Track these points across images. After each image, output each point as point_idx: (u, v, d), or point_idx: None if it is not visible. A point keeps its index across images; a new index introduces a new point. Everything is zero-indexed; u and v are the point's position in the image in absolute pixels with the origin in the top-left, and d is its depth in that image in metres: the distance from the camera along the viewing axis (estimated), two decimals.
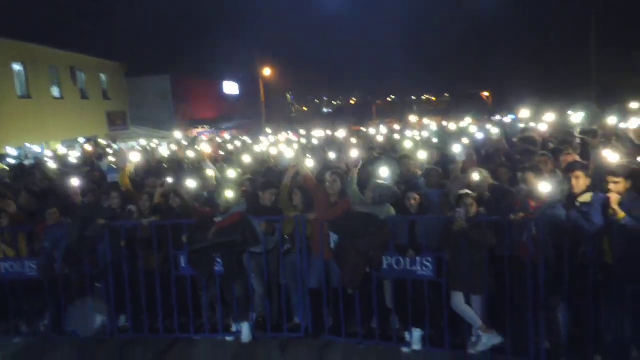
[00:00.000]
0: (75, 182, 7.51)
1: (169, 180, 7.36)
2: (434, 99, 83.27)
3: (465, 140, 8.09)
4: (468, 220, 5.12)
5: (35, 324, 6.55)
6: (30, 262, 6.37)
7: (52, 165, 10.33)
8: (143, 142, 16.69)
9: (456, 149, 6.85)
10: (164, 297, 6.28)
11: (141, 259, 6.39)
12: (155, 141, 19.10)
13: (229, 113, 41.85)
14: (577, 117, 9.97)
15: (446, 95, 77.10)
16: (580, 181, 5.04)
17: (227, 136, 21.47)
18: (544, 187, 4.99)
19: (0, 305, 6.45)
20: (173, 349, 6.07)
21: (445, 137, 12.18)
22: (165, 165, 10.08)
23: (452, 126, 14.72)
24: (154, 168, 9.67)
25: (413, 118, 20.58)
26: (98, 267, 6.42)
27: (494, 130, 9.17)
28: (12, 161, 12.87)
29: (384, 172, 6.16)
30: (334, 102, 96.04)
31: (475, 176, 5.73)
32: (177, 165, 10.31)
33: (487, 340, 5.17)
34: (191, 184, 6.81)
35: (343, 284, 5.70)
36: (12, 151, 15.21)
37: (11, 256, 6.43)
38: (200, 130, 31.24)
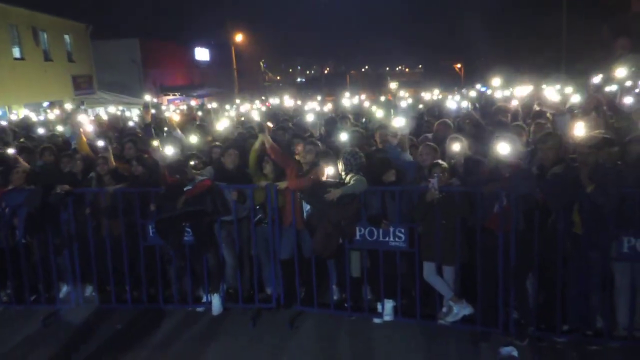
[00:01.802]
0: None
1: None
2: (407, 70, 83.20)
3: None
4: (440, 190, 5.08)
5: None
6: None
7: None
8: (112, 108, 16.12)
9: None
10: (132, 267, 6.13)
11: (107, 228, 6.20)
12: (121, 107, 18.53)
13: (200, 80, 40.83)
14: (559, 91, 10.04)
15: (419, 67, 77.07)
16: (551, 153, 5.05)
17: (194, 103, 20.90)
18: (514, 155, 4.98)
19: None
20: (142, 319, 5.94)
21: (419, 107, 12.18)
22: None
23: (426, 97, 14.70)
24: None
25: (393, 85, 20.50)
26: (61, 236, 6.19)
27: (464, 103, 9.17)
28: None
29: (343, 137, 6.10)
30: (307, 72, 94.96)
31: (456, 146, 5.66)
32: (145, 131, 10.01)
33: (458, 310, 5.22)
34: (168, 150, 6.55)
35: (315, 253, 5.64)
36: None
37: None
38: (170, 97, 30.44)
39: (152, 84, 32.00)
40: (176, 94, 33.00)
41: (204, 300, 6.12)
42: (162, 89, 32.76)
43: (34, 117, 12.98)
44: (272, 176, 6.09)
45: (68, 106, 13.29)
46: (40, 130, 9.99)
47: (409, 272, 5.49)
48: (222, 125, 8.63)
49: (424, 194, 5.18)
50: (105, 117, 12.92)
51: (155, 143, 6.85)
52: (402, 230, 5.38)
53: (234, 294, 6.15)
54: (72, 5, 31.58)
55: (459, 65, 48.42)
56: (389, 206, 5.53)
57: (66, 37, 26.98)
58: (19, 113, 17.20)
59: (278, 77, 76.81)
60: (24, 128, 10.88)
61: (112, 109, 15.85)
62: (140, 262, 6.07)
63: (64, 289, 6.42)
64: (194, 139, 7.51)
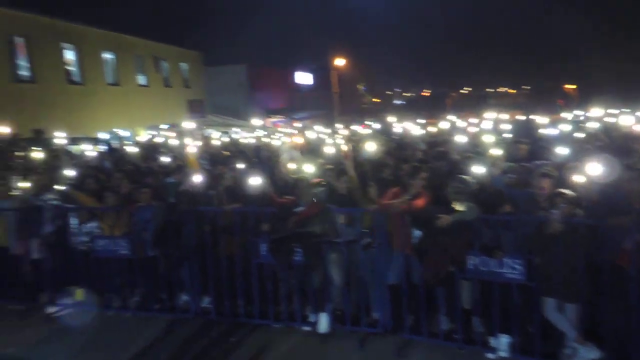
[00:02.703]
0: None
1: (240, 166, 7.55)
2: (511, 91, 79.55)
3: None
4: (563, 222, 4.80)
5: (126, 300, 6.92)
6: (123, 240, 6.72)
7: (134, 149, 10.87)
8: (216, 131, 17.19)
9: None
10: (246, 283, 6.43)
11: (223, 245, 6.58)
12: (235, 129, 19.69)
13: (301, 103, 42.28)
14: None
15: (525, 87, 73.47)
16: None
17: (299, 126, 21.63)
18: None
19: (97, 280, 6.87)
20: (253, 334, 6.19)
21: (529, 131, 11.62)
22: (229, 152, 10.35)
23: (538, 120, 13.97)
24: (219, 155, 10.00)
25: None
26: (183, 250, 6.67)
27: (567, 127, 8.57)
28: (103, 145, 13.67)
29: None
30: (404, 94, 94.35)
31: (581, 175, 5.33)
32: (255, 153, 10.58)
33: (584, 353, 4.84)
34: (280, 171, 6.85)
35: (424, 280, 5.56)
36: (103, 136, 16.18)
37: (107, 234, 6.82)
38: (274, 119, 31.83)
39: (257, 107, 33.72)
40: (279, 116, 34.42)
41: (311, 319, 6.25)
42: (267, 112, 34.37)
43: (157, 139, 14.18)
44: (377, 200, 6.14)
45: (188, 127, 14.36)
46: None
47: (526, 306, 5.21)
48: (331, 148, 8.86)
49: (543, 224, 4.92)
50: (216, 138, 13.81)
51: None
52: (519, 262, 5.14)
53: (340, 315, 6.22)
54: (188, 35, 34.37)
55: (571, 87, 45.52)
56: (503, 236, 5.32)
57: (183, 64, 29.36)
58: (141, 135, 18.91)
59: (377, 100, 77.16)
60: (150, 149, 11.91)
61: (220, 132, 16.92)
62: (253, 279, 6.36)
63: (184, 299, 6.89)
64: (310, 163, 7.75)
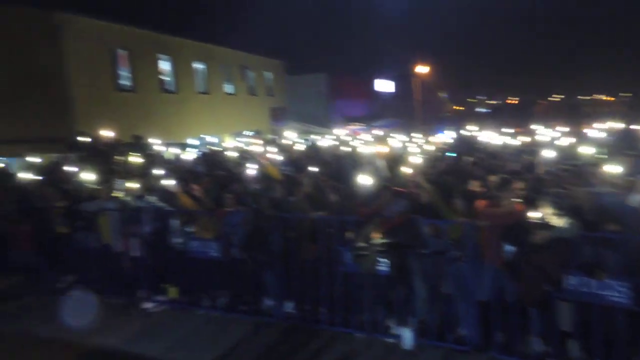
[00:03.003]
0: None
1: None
2: (607, 98, 74.07)
3: None
4: None
5: (215, 300, 7.22)
6: (213, 243, 7.03)
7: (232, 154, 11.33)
8: (297, 139, 17.50)
9: None
10: (329, 291, 6.47)
11: (307, 251, 6.67)
12: (313, 136, 20.01)
13: (380, 111, 42.12)
14: None
15: (624, 95, 68.24)
16: None
17: (379, 134, 21.52)
18: None
19: (190, 279, 7.23)
20: (334, 342, 6.21)
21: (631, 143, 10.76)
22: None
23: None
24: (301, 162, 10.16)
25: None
26: (268, 255, 6.85)
27: None
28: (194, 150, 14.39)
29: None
30: (488, 102, 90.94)
31: None
32: (336, 161, 10.65)
33: None
34: (363, 180, 6.86)
35: (517, 298, 5.30)
36: (193, 142, 17.03)
37: (199, 236, 7.16)
38: (354, 127, 31.94)
39: (336, 114, 34.07)
40: (358, 124, 34.50)
41: (394, 332, 6.16)
42: (347, 119, 34.61)
43: (243, 145, 14.71)
44: (462, 212, 5.96)
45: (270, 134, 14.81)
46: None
47: (631, 333, 4.81)
48: (415, 157, 8.74)
49: None
50: (296, 145, 14.07)
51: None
52: (625, 285, 4.75)
53: (424, 328, 6.08)
54: (272, 45, 35.46)
55: None
56: (606, 255, 4.95)
57: (267, 73, 30.33)
58: (227, 141, 19.69)
59: (460, 108, 75.08)
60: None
61: (301, 139, 17.23)
62: (336, 287, 6.39)
63: (268, 303, 7.06)
64: (389, 169, 7.73)
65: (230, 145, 14.87)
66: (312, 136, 21.41)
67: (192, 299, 7.30)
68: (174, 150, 12.30)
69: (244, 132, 24.72)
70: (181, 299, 7.36)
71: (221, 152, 12.49)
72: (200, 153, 12.51)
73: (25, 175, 9.48)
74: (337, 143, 13.77)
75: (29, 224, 8.13)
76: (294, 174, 8.42)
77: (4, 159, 12.85)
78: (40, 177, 9.48)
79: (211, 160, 10.92)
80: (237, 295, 7.11)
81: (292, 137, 16.56)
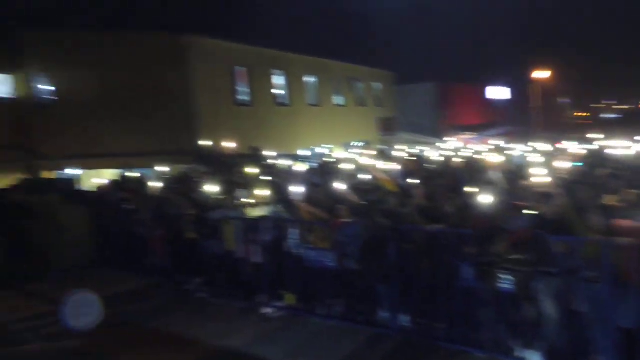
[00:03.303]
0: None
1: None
2: None
3: None
4: None
5: (331, 309, 7.33)
6: (330, 252, 7.16)
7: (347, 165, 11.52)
8: (408, 149, 17.30)
9: None
10: (448, 306, 6.28)
11: (424, 264, 6.54)
12: (423, 147, 19.65)
13: (493, 119, 40.35)
14: None
15: None
16: None
17: (495, 143, 20.56)
18: None
19: (307, 287, 7.44)
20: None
21: None
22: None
23: None
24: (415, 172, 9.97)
25: None
26: (385, 267, 6.82)
27: None
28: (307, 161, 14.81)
29: None
30: (617, 107, 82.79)
31: None
32: (451, 172, 10.36)
33: None
34: (480, 192, 6.63)
35: None
36: (305, 153, 17.57)
37: (317, 247, 7.35)
38: (466, 136, 30.90)
39: (446, 124, 33.23)
40: (470, 133, 33.32)
41: (518, 354, 5.80)
42: (457, 129, 33.61)
43: (356, 156, 14.85)
44: (598, 228, 5.46)
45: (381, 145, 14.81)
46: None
47: None
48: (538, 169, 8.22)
49: None
50: (411, 156, 13.90)
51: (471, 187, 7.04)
52: None
53: (553, 353, 5.64)
54: (380, 56, 35.58)
55: None
56: None
57: (376, 84, 30.46)
58: (336, 152, 20.04)
59: (584, 114, 69.25)
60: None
61: (412, 149, 17.00)
62: (455, 302, 6.18)
63: (383, 315, 7.01)
64: (508, 181, 7.36)
65: (343, 156, 15.10)
66: (422, 147, 21.06)
67: (308, 306, 7.49)
68: (287, 162, 12.79)
69: (353, 143, 25.00)
70: (298, 305, 7.58)
71: (335, 163, 12.73)
72: (316, 164, 12.86)
73: (157, 185, 10.44)
74: (450, 153, 13.37)
75: (163, 230, 8.92)
76: (408, 185, 8.33)
77: (138, 170, 14.20)
78: (171, 187, 10.37)
79: (327, 171, 11.16)
80: (351, 305, 7.17)
81: (405, 148, 16.42)
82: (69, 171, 16.12)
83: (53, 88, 16.98)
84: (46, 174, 15.33)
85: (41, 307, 8.18)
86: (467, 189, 7.30)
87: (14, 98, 16.75)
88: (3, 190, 10.62)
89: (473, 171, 9.53)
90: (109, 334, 6.95)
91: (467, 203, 6.90)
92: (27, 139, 15.96)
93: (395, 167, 10.56)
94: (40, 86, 16.92)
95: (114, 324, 7.27)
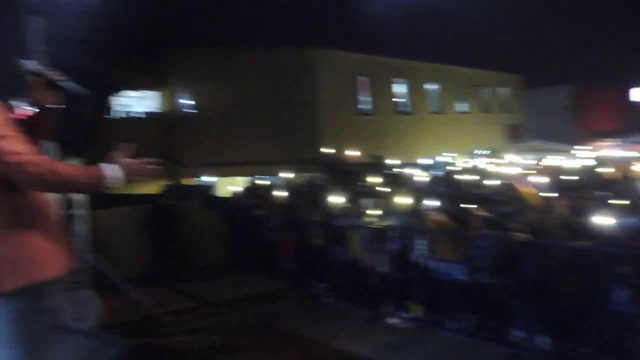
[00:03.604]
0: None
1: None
2: None
3: None
4: None
5: (461, 323, 7.08)
6: (459, 265, 6.92)
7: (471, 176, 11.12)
8: (550, 157, 16.13)
9: None
10: (594, 330, 5.73)
11: (566, 283, 6.04)
12: (556, 156, 18.23)
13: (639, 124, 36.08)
14: None
15: None
16: None
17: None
18: None
19: (434, 299, 7.27)
20: None
21: None
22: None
23: None
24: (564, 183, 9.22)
25: None
26: (520, 283, 6.42)
27: None
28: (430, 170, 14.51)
29: None
30: None
31: None
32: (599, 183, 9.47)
33: None
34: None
35: None
36: (426, 161, 17.23)
37: (445, 258, 7.15)
38: (604, 143, 28.05)
39: (583, 129, 30.45)
40: (611, 139, 30.14)
41: None
42: (596, 135, 30.62)
43: (484, 165, 14.26)
44: None
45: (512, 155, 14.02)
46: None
47: None
48: None
49: None
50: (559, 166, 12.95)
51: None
52: None
53: None
54: (509, 59, 33.67)
55: None
56: None
57: (502, 89, 28.96)
58: (459, 160, 19.35)
59: None
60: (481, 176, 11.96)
61: (550, 158, 15.81)
62: (605, 327, 5.61)
63: (517, 334, 6.59)
64: None
65: (468, 165, 14.57)
66: (555, 155, 19.52)
67: (436, 319, 7.29)
68: (409, 170, 12.63)
69: (476, 151, 24.01)
70: (424, 317, 7.41)
71: (461, 172, 12.32)
72: (441, 173, 12.56)
73: (284, 192, 10.91)
74: (593, 162, 12.22)
75: (292, 235, 9.30)
76: (552, 197, 7.76)
77: (266, 177, 14.97)
78: (299, 194, 10.78)
79: (452, 181, 10.86)
80: (482, 322, 6.84)
81: (542, 157, 15.36)
82: (206, 178, 17.54)
83: (193, 102, 18.64)
84: (186, 181, 16.82)
85: (187, 303, 8.94)
86: (618, 202, 6.62)
87: (160, 112, 18.67)
88: (154, 195, 11.80)
89: (629, 182, 8.61)
90: (244, 332, 7.38)
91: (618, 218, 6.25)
92: (171, 148, 17.66)
93: (540, 177, 9.88)
94: (182, 100, 18.66)
95: (249, 323, 7.71)
